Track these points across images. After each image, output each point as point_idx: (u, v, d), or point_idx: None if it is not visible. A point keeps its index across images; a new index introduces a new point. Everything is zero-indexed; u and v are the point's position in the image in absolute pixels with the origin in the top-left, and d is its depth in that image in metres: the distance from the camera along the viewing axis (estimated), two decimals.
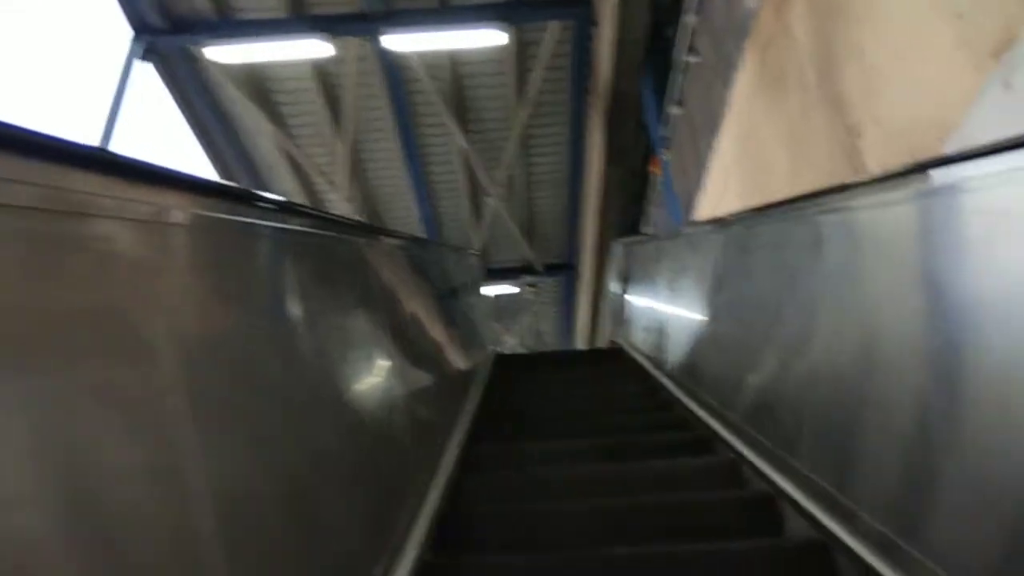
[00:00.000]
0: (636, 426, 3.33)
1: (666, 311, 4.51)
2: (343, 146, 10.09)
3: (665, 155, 7.21)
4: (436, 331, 3.63)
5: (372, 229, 3.02)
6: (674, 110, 6.64)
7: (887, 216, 1.53)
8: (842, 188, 1.71)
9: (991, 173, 1.15)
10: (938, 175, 1.30)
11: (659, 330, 4.64)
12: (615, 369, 5.18)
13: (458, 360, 4.07)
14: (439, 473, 2.43)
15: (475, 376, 4.44)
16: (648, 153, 11.13)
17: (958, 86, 2.23)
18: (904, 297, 1.45)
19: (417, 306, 3.08)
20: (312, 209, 1.63)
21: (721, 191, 5.27)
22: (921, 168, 1.34)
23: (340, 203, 10.94)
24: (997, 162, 1.12)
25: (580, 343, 14.28)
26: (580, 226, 12.21)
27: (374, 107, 9.96)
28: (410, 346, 2.57)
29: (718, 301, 3.12)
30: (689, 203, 6.57)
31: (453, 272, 5.37)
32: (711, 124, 5.55)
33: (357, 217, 11.18)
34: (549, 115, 10.37)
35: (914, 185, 1.38)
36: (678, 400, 3.57)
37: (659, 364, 4.39)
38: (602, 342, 9.19)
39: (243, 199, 1.32)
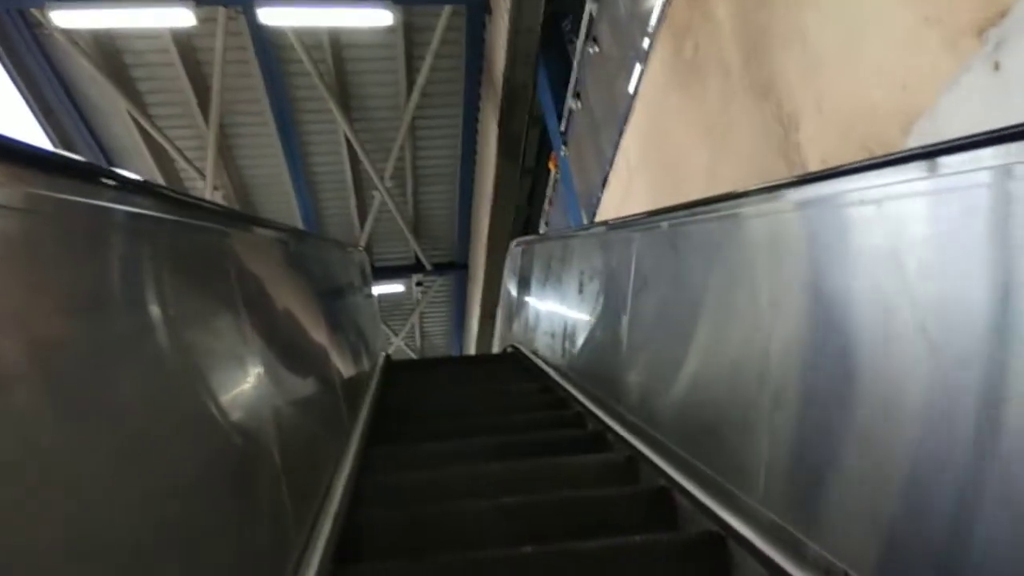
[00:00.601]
0: (537, 422, 3.00)
1: (568, 314, 4.14)
2: (210, 130, 9.13)
3: (564, 151, 6.87)
4: (315, 336, 3.09)
5: (235, 216, 2.41)
6: (573, 104, 6.29)
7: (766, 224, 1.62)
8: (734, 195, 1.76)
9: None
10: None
11: (559, 333, 4.26)
12: (513, 370, 4.78)
13: (341, 369, 3.53)
14: (327, 506, 1.91)
15: (364, 388, 3.91)
16: (544, 149, 10.85)
17: (926, 68, 1.92)
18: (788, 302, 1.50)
19: (291, 308, 2.56)
20: (147, 184, 1.21)
21: (626, 190, 4.95)
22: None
23: (207, 192, 9.94)
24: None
25: (472, 346, 13.83)
26: (472, 223, 11.75)
27: (246, 88, 9.07)
28: (281, 355, 2.06)
29: (621, 303, 2.79)
30: (590, 202, 6.24)
31: (335, 269, 4.81)
32: (614, 119, 5.22)
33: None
34: (440, 106, 9.83)
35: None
36: (575, 399, 3.26)
37: (558, 367, 4.01)
38: (496, 345, 8.79)
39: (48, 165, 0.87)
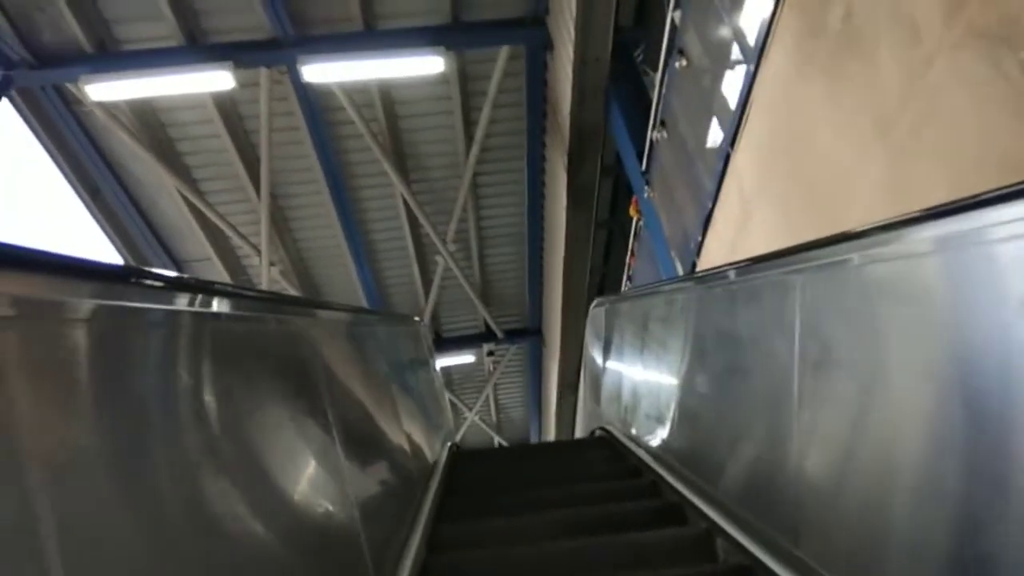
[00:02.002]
0: None
1: (686, 391, 3.06)
2: (261, 201, 8.54)
3: (647, 192, 5.84)
4: (365, 430, 2.45)
5: (273, 299, 1.83)
6: (656, 135, 5.29)
7: None
8: None
9: None
10: None
11: (671, 417, 3.17)
12: (611, 468, 3.66)
13: (394, 475, 2.58)
14: None
15: (412, 503, 2.94)
16: (618, 201, 9.85)
17: None
18: None
19: (337, 398, 2.08)
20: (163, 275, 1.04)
21: (740, 227, 3.85)
22: None
23: (263, 269, 9.33)
24: None
25: (551, 422, 12.65)
26: (544, 285, 10.76)
27: (297, 155, 8.48)
28: (324, 459, 1.71)
29: (781, 379, 1.72)
30: (685, 249, 5.15)
31: (392, 347, 3.90)
32: (714, 140, 4.18)
33: (286, 287, 9.58)
34: (503, 159, 9.01)
35: None
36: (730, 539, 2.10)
37: (681, 474, 2.89)
38: (580, 424, 7.63)
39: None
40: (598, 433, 5.47)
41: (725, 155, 4.07)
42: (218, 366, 1.18)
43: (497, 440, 15.22)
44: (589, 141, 7.04)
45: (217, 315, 1.22)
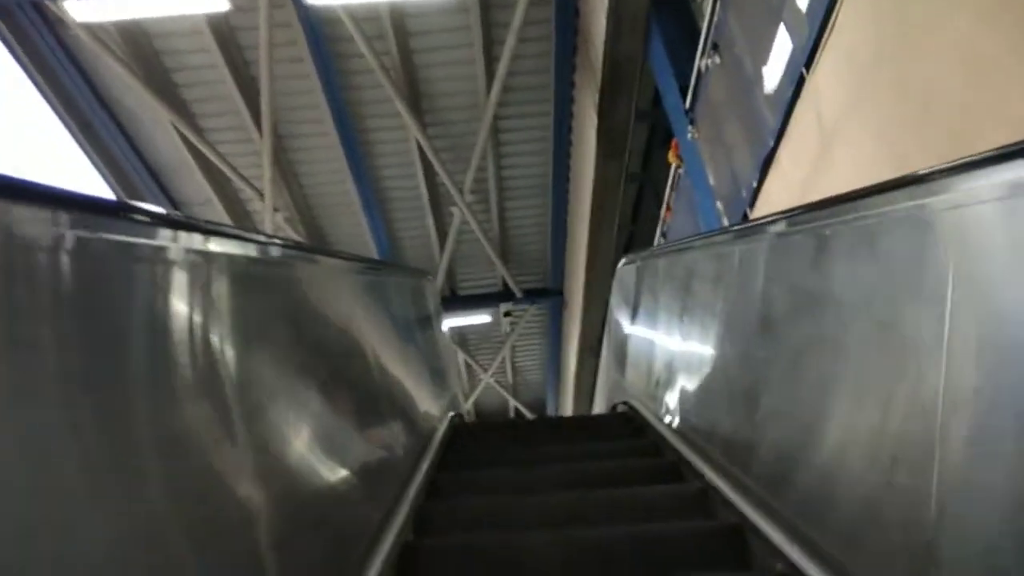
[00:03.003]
0: None
1: (729, 364, 2.38)
2: (264, 140, 7.85)
3: (691, 134, 5.05)
4: (337, 397, 1.93)
5: (239, 237, 1.43)
6: (707, 63, 4.49)
7: None
8: None
9: None
10: None
11: (722, 404, 2.49)
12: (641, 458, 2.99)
13: (362, 459, 1.96)
14: None
15: (401, 475, 2.34)
16: (652, 145, 9.02)
17: None
18: None
19: (311, 354, 1.80)
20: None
21: (816, 163, 3.09)
22: None
23: (267, 215, 8.69)
24: None
25: (570, 387, 12.02)
26: (568, 242, 10.01)
27: (300, 89, 7.76)
28: (280, 426, 1.41)
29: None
30: (736, 196, 4.39)
31: (388, 302, 3.34)
32: (782, 60, 3.40)
33: (289, 234, 8.95)
34: (527, 100, 8.21)
35: None
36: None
37: (727, 472, 2.22)
38: (600, 397, 6.94)
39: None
40: (620, 408, 4.80)
41: (797, 77, 3.29)
42: (176, 304, 1.05)
43: (512, 404, 14.67)
44: (624, 77, 6.23)
45: (181, 250, 1.07)
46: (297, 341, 1.72)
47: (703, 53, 4.64)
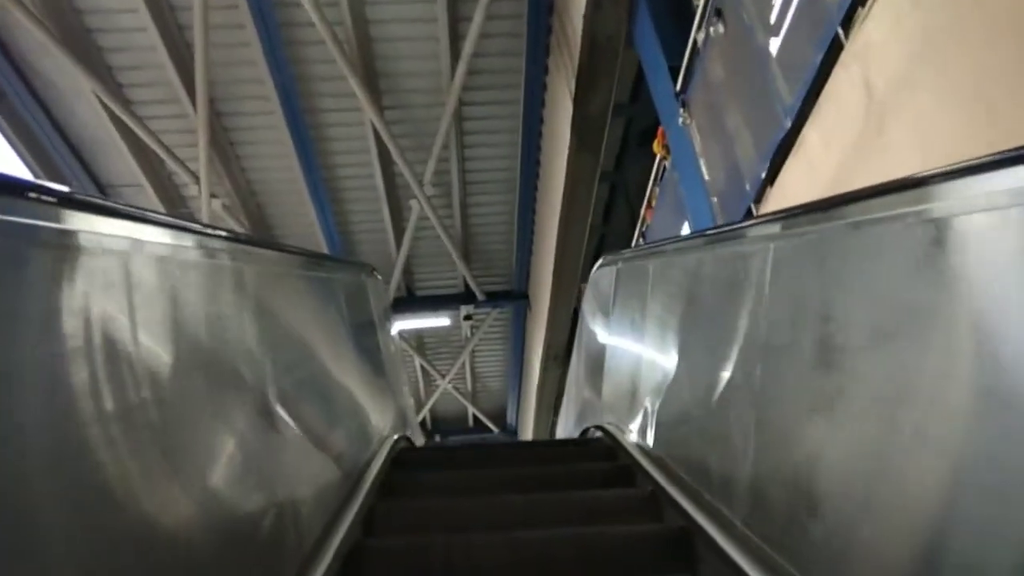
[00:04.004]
0: None
1: (751, 391, 1.74)
2: (198, 115, 7.00)
3: (682, 119, 4.39)
4: (248, 427, 1.51)
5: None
6: (707, 33, 3.83)
7: None
8: None
9: None
10: None
11: (719, 435, 1.85)
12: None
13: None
14: None
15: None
16: (627, 143, 8.39)
17: None
18: None
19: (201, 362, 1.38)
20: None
21: (859, 140, 2.43)
22: None
23: (203, 202, 7.82)
24: None
25: (532, 397, 11.32)
26: (536, 241, 9.32)
27: (241, 59, 6.94)
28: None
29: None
30: (736, 190, 3.74)
31: (315, 303, 2.74)
32: (811, 18, 2.75)
33: (228, 224, 8.09)
34: (495, 85, 7.50)
35: None
36: None
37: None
38: (565, 418, 6.19)
39: None
40: (594, 434, 4.11)
41: (831, 40, 2.64)
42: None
43: (471, 412, 13.93)
44: (604, 59, 5.56)
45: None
46: (157, 351, 1.17)
47: (701, 23, 3.98)
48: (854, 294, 1.38)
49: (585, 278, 8.16)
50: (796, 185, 2.93)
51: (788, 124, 3.07)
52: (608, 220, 9.64)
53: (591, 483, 2.77)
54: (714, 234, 2.45)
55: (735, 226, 2.21)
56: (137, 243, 1.14)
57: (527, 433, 12.86)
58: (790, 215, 1.80)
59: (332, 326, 2.95)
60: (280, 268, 2.38)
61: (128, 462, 1.01)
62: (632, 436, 3.25)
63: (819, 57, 2.73)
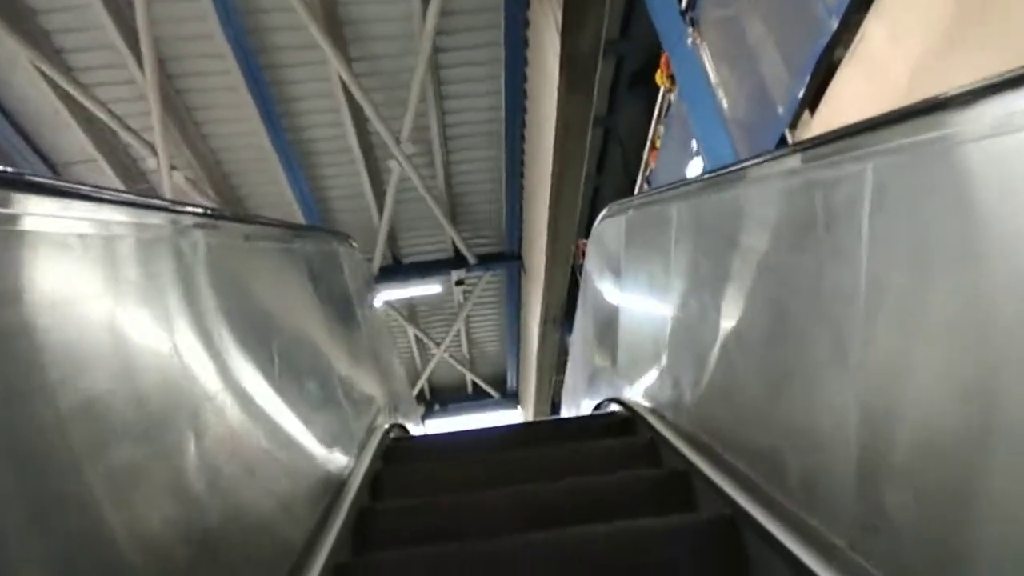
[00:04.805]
0: None
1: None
2: (147, 79, 6.33)
3: (691, 38, 3.79)
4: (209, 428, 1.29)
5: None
6: None
7: None
8: None
9: None
10: None
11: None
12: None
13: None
14: None
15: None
16: (618, 84, 7.76)
17: None
18: None
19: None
20: None
21: (950, 30, 1.86)
22: None
23: (163, 174, 7.19)
24: None
25: (532, 363, 10.84)
26: (526, 196, 8.73)
27: (189, 14, 6.24)
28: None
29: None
30: (764, 115, 3.18)
31: (282, 279, 2.35)
32: None
33: (193, 198, 7.48)
34: (472, 26, 6.84)
35: None
36: None
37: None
38: (570, 391, 5.65)
39: None
40: (613, 409, 3.58)
41: None
42: None
43: (470, 379, 13.47)
44: None
45: None
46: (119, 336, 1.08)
47: None
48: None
49: (583, 233, 7.61)
50: (855, 99, 2.37)
51: (835, 24, 2.50)
52: (602, 171, 9.04)
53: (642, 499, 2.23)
54: (768, 159, 1.91)
55: (804, 144, 1.66)
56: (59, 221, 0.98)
57: (528, 397, 12.44)
58: (887, 121, 1.26)
59: (293, 306, 2.40)
60: (218, 239, 1.82)
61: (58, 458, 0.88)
62: (663, 413, 2.73)
63: None
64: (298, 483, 1.83)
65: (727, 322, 2.25)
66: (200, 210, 1.66)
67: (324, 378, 2.53)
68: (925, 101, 1.06)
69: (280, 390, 2.02)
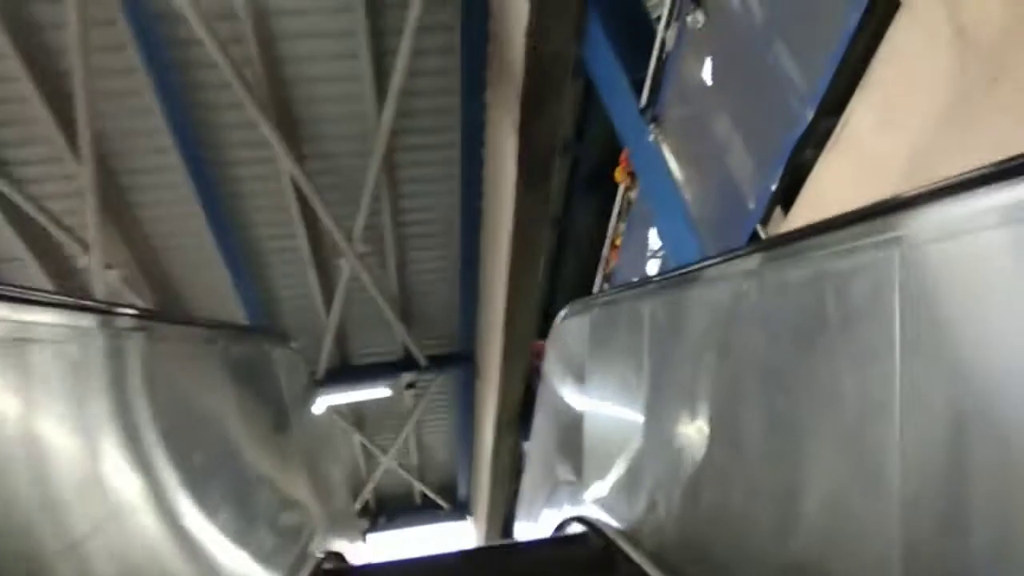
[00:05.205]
0: None
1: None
2: (85, 172, 6.04)
3: (652, 135, 3.72)
4: None
5: None
6: (689, 18, 3.18)
7: None
8: None
9: None
10: None
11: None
12: None
13: None
14: None
15: None
16: (573, 186, 7.75)
17: None
18: None
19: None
20: None
21: (950, 111, 1.74)
22: None
23: (96, 273, 6.77)
24: None
25: (485, 470, 10.34)
26: (481, 295, 8.52)
27: (134, 109, 6.05)
28: None
29: None
30: (729, 210, 3.06)
31: (221, 385, 2.13)
32: None
33: (127, 297, 7.06)
34: (429, 127, 6.80)
35: None
36: None
37: None
38: (525, 508, 5.23)
39: None
40: (580, 531, 3.24)
41: None
42: None
43: (418, 489, 12.78)
44: (551, 80, 4.92)
45: None
46: None
47: (670, 20, 3.35)
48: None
49: (539, 334, 7.39)
50: (839, 188, 2.23)
51: (809, 114, 2.40)
52: (558, 271, 8.94)
53: None
54: (762, 248, 1.72)
55: (804, 232, 1.48)
56: None
57: (481, 508, 11.81)
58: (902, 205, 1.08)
59: (210, 419, 2.07)
60: (120, 342, 1.52)
61: None
62: (640, 541, 2.42)
63: (857, 16, 2.07)
64: None
65: (713, 435, 2.00)
66: (95, 304, 1.37)
67: (243, 501, 2.16)
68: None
69: (185, 517, 1.67)
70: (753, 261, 1.65)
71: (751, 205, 2.90)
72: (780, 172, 2.65)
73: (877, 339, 1.23)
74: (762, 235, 2.87)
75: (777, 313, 1.68)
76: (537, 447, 5.56)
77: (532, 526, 5.22)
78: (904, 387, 1.09)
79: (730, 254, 1.79)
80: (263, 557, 2.18)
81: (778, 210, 2.77)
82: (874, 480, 1.19)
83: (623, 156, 4.35)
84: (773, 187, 2.71)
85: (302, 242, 7.53)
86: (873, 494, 1.18)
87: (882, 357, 1.18)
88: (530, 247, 6.27)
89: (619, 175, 4.47)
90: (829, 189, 2.28)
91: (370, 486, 11.89)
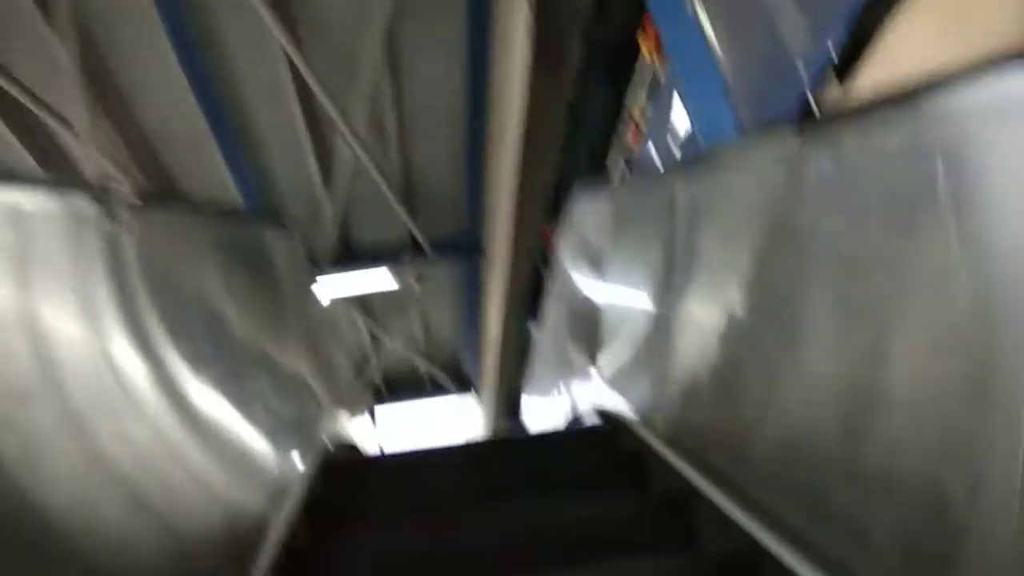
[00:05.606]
0: None
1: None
2: (64, 52, 5.63)
3: (690, 5, 3.34)
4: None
5: None
6: None
7: None
8: None
9: None
10: None
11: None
12: None
13: None
14: None
15: None
16: (589, 64, 7.29)
17: None
18: None
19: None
20: None
21: None
22: None
23: (85, 155, 6.48)
24: None
25: (492, 354, 10.38)
26: (490, 179, 8.24)
27: None
28: None
29: None
30: (775, 85, 2.78)
31: (182, 273, 1.90)
32: None
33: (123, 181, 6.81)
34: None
35: None
36: None
37: None
38: (540, 386, 5.16)
39: None
40: (601, 426, 3.14)
41: None
42: None
43: (426, 369, 12.98)
44: None
45: None
46: None
47: None
48: None
49: (552, 217, 7.16)
50: (915, 50, 1.96)
51: None
52: (570, 156, 8.59)
53: None
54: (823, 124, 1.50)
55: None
56: None
57: (488, 385, 12.03)
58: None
59: (206, 301, 1.92)
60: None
61: None
62: (657, 427, 2.32)
63: None
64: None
65: (755, 322, 1.84)
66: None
67: (245, 383, 2.06)
68: None
69: (189, 397, 1.60)
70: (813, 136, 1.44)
71: (801, 69, 2.61)
72: (841, 33, 2.35)
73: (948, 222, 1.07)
74: (816, 108, 2.60)
75: (836, 192, 1.50)
76: (547, 338, 5.48)
77: (542, 401, 5.22)
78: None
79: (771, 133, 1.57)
80: (268, 433, 2.09)
81: (834, 78, 2.49)
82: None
83: (650, 31, 3.95)
84: (832, 50, 2.42)
85: (299, 123, 7.15)
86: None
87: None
88: (544, 131, 5.94)
89: (645, 44, 4.09)
90: (902, 52, 2.01)
91: (376, 364, 12.06)
